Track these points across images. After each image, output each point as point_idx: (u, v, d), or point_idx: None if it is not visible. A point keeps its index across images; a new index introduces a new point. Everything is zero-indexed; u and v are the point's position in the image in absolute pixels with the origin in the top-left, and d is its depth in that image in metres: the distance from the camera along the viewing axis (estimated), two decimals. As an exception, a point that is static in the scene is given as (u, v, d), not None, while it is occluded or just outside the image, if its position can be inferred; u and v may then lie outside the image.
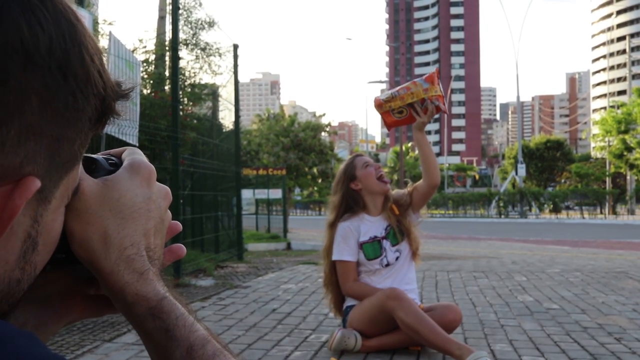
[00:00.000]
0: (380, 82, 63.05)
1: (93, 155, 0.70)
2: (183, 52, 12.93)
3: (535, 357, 4.23)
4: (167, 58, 9.99)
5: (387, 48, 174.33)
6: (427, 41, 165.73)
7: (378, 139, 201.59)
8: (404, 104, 4.13)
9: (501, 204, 41.79)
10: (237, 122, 10.87)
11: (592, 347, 4.49)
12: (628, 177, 45.32)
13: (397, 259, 4.37)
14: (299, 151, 40.45)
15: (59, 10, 0.54)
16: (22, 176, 0.53)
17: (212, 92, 11.16)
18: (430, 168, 4.25)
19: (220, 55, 13.87)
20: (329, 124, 45.50)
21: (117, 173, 0.69)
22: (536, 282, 7.61)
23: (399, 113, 4.17)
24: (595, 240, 18.40)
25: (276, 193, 18.63)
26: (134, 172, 0.69)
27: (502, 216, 40.45)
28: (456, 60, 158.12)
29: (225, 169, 10.41)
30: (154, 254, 0.70)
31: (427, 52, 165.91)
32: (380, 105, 4.21)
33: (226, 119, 11.10)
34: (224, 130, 10.92)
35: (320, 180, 44.39)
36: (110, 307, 0.71)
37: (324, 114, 45.94)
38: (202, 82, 12.23)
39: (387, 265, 4.35)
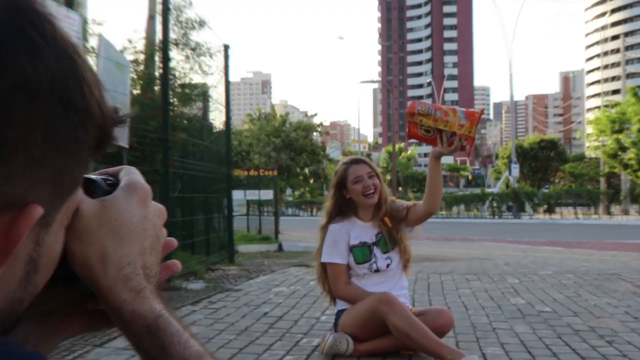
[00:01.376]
0: (373, 81, 63.32)
1: (92, 176, 0.72)
2: (173, 52, 12.85)
3: (527, 362, 4.21)
4: (156, 58, 9.93)
5: (379, 47, 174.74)
6: (419, 40, 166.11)
7: (370, 139, 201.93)
8: (434, 127, 4.05)
9: (495, 205, 41.87)
10: (228, 123, 10.81)
11: (584, 350, 4.47)
12: (622, 177, 45.42)
13: (388, 266, 4.36)
14: (291, 151, 40.49)
15: (61, 46, 0.56)
16: (26, 204, 0.55)
17: (203, 93, 11.09)
18: (434, 196, 4.20)
19: (210, 55, 13.78)
20: (321, 124, 45.62)
21: (115, 194, 0.72)
22: (528, 285, 7.59)
23: (425, 131, 4.07)
24: (589, 241, 18.42)
25: (267, 194, 18.58)
26: (130, 192, 0.72)
27: (496, 217, 40.52)
28: (449, 59, 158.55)
29: (216, 170, 10.34)
30: (150, 272, 0.73)
31: (419, 51, 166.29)
32: (412, 114, 4.09)
33: (217, 119, 11.05)
34: (214, 130, 10.86)
35: (312, 181, 44.48)
36: (109, 322, 0.74)
37: (315, 114, 46.10)
38: (193, 82, 12.15)
39: (377, 271, 4.34)
